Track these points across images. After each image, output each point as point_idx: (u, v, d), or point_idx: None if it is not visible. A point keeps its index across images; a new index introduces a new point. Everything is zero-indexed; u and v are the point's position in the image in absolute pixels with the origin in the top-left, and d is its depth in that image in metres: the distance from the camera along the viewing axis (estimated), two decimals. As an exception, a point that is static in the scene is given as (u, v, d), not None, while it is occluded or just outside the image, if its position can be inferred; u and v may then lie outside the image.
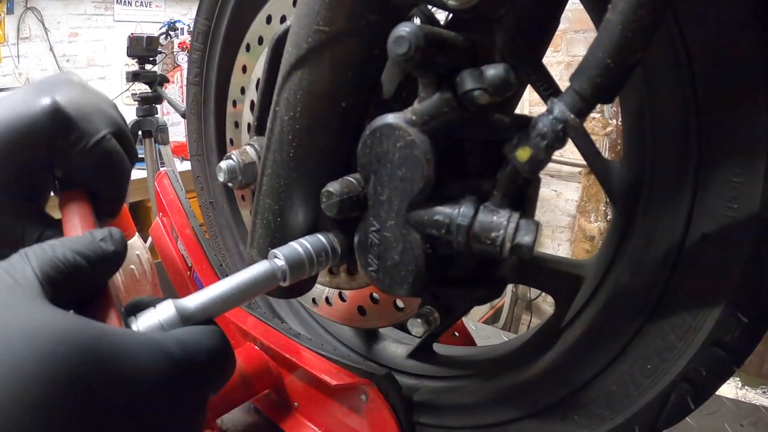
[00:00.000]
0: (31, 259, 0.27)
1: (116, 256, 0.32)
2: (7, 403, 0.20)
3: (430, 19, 0.50)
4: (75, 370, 0.22)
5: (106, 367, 0.23)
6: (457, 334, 0.85)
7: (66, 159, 0.41)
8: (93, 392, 0.22)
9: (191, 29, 0.88)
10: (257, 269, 0.38)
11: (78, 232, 0.39)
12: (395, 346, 0.75)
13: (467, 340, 0.85)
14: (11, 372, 0.21)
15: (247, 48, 0.70)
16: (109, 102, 0.46)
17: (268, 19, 0.66)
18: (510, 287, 3.11)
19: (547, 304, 3.24)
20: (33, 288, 0.25)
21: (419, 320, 0.61)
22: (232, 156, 0.61)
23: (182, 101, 2.96)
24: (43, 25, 3.30)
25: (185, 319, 0.32)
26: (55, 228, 0.42)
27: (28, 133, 0.38)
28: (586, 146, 0.54)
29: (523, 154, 0.35)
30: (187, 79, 0.90)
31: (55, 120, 0.38)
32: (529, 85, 0.57)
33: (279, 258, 0.40)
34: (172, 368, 0.26)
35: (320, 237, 0.45)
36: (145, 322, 0.31)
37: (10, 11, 3.14)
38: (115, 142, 0.43)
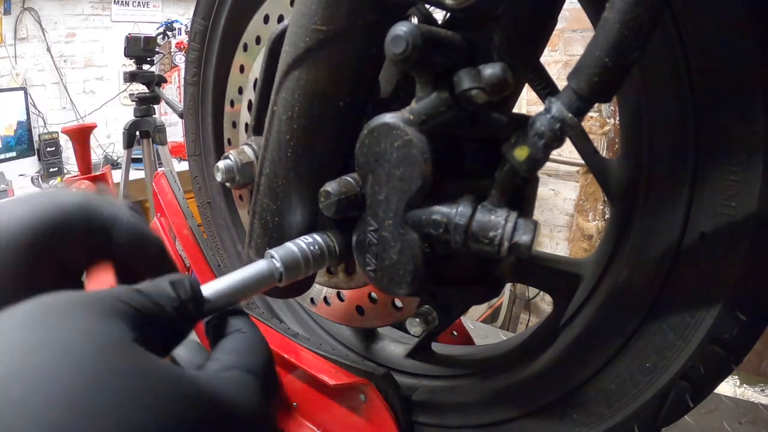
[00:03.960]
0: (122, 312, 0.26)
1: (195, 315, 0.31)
2: None
3: (427, 18, 0.50)
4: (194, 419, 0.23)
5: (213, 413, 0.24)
6: (455, 333, 0.85)
7: (100, 247, 0.38)
8: None
9: (189, 29, 0.88)
10: (254, 268, 0.38)
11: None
12: (394, 346, 0.75)
13: (466, 339, 0.85)
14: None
15: (245, 48, 0.70)
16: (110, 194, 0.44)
17: (266, 19, 0.66)
18: (508, 286, 3.11)
19: (545, 303, 3.25)
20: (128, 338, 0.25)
21: (418, 320, 0.61)
22: (230, 156, 0.61)
23: (180, 101, 2.96)
24: (41, 25, 3.29)
25: None
26: None
27: (62, 228, 0.35)
28: (584, 145, 0.54)
29: (520, 153, 0.35)
30: (185, 79, 0.90)
31: (87, 213, 0.36)
32: (526, 85, 0.57)
33: (275, 258, 0.40)
34: (261, 396, 0.28)
35: (317, 237, 0.45)
36: None
37: (7, 12, 3.14)
38: (136, 221, 0.40)
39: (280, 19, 0.63)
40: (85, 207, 0.36)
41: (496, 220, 0.36)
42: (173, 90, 3.67)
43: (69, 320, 0.23)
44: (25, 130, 3.11)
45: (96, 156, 3.42)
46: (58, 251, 0.34)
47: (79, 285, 0.38)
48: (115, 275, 0.39)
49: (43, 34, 3.32)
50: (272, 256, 0.40)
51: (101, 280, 0.37)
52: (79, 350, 0.22)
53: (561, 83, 0.41)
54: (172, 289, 0.30)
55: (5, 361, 0.21)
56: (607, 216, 2.87)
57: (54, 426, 0.19)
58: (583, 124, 0.37)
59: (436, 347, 0.73)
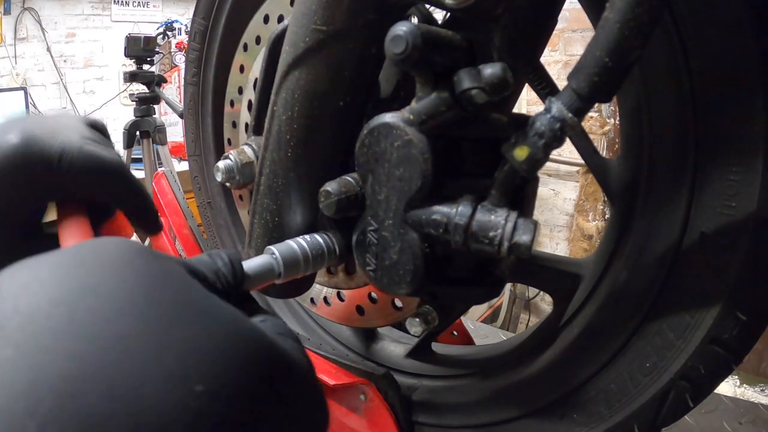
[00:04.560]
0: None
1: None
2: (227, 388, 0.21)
3: (427, 18, 0.50)
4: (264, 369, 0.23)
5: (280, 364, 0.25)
6: (455, 333, 0.85)
7: (50, 186, 0.40)
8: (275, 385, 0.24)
9: (189, 29, 0.88)
10: (255, 261, 0.38)
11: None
12: (394, 346, 0.75)
13: (466, 339, 0.85)
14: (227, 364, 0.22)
15: (245, 48, 0.70)
16: (70, 117, 0.44)
17: (266, 19, 0.66)
18: (508, 286, 3.11)
19: (545, 302, 3.25)
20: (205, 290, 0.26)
21: (418, 319, 0.61)
22: (230, 156, 0.61)
23: (180, 101, 2.96)
24: (41, 25, 3.29)
25: None
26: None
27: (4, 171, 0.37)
28: (584, 145, 0.54)
29: (520, 153, 0.35)
30: (185, 79, 0.90)
31: (26, 153, 0.37)
32: (526, 84, 0.57)
33: (274, 254, 0.40)
34: (306, 360, 0.28)
35: (317, 236, 0.45)
36: None
37: (7, 12, 3.14)
38: (89, 147, 0.40)
39: (280, 19, 0.63)
40: (24, 146, 0.37)
41: (496, 220, 0.36)
42: (173, 90, 3.67)
43: (139, 256, 0.24)
44: (25, 130, 3.11)
45: (96, 156, 3.41)
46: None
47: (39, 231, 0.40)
48: (87, 220, 0.39)
49: (43, 34, 3.32)
50: (272, 252, 0.40)
51: (73, 231, 0.38)
52: (150, 277, 0.23)
53: (561, 83, 0.41)
54: (210, 258, 0.31)
55: (76, 279, 0.21)
56: (607, 216, 2.87)
57: (121, 335, 0.20)
58: (583, 124, 0.37)
59: (436, 347, 0.73)
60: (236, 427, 0.21)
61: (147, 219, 0.47)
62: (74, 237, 0.39)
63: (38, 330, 0.19)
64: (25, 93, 3.14)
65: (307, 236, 0.44)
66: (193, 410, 0.19)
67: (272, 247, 0.40)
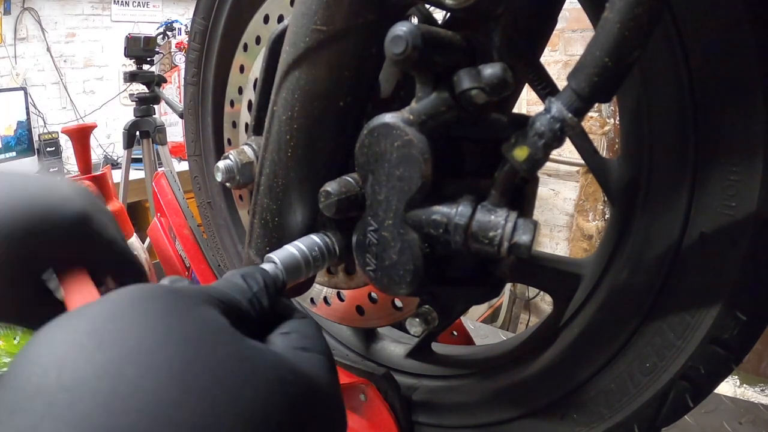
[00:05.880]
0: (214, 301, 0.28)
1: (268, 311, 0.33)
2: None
3: (427, 18, 0.50)
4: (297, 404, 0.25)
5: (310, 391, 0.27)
6: (455, 333, 0.85)
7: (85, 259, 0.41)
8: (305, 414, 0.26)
9: (189, 29, 0.88)
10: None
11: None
12: (394, 346, 0.75)
13: (466, 339, 0.85)
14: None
15: (245, 48, 0.70)
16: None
17: (266, 19, 0.66)
18: (508, 286, 3.11)
19: (545, 303, 3.24)
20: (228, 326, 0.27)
21: (418, 320, 0.61)
22: (230, 156, 0.61)
23: (180, 101, 2.96)
24: (41, 25, 3.29)
25: None
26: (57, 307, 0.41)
27: (53, 232, 0.38)
28: (584, 145, 0.54)
29: (520, 153, 0.35)
30: (185, 79, 0.90)
31: (84, 230, 0.39)
32: (526, 84, 0.57)
33: (275, 262, 0.39)
34: (335, 377, 0.31)
35: (316, 238, 0.45)
36: None
37: (7, 11, 3.13)
38: (125, 245, 0.43)
39: (280, 19, 0.63)
40: (86, 220, 0.39)
41: (496, 220, 0.36)
42: (173, 90, 3.66)
43: (170, 306, 0.25)
44: (25, 130, 3.11)
45: (96, 156, 3.42)
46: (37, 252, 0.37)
47: (42, 286, 0.41)
48: (93, 285, 0.40)
49: (43, 34, 3.32)
50: (273, 261, 0.40)
51: (83, 291, 0.39)
52: (185, 334, 0.24)
53: (561, 83, 0.41)
54: (244, 283, 0.32)
55: (116, 343, 0.22)
56: (607, 216, 2.87)
57: (168, 404, 0.21)
58: (583, 124, 0.37)
59: (436, 347, 0.73)
60: None
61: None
62: (81, 294, 0.39)
63: (87, 409, 0.20)
64: (25, 93, 3.13)
65: (305, 239, 0.44)
66: None
67: (272, 255, 0.40)
